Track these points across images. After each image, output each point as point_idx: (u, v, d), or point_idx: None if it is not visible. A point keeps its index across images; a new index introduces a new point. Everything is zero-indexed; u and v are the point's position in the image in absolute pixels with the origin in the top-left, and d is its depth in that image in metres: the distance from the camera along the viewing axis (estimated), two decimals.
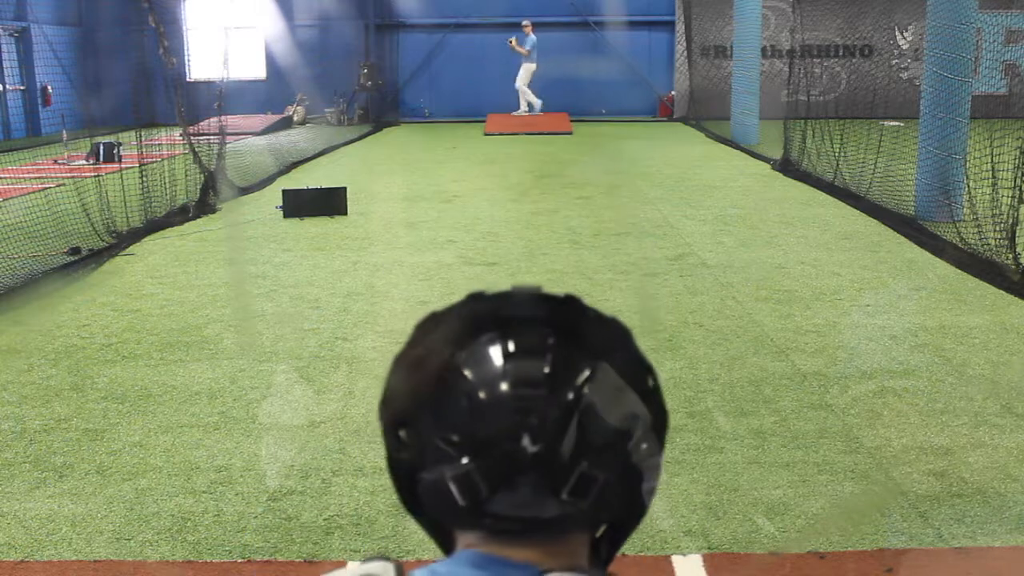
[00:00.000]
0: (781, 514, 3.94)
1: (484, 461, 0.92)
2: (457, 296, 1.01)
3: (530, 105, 22.39)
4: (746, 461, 4.42)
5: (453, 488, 0.92)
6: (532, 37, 22.02)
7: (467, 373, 0.94)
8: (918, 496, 4.08)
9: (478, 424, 0.92)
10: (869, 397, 5.19)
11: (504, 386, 0.92)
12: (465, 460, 0.92)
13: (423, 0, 24.00)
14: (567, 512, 0.92)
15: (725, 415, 4.96)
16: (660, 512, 3.95)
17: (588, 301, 1.00)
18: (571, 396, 0.93)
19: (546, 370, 0.93)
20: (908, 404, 5.08)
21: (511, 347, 0.94)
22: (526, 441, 0.91)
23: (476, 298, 1.01)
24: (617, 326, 1.02)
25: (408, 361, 0.98)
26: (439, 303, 0.99)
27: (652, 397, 1.01)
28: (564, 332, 0.97)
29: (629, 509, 1.01)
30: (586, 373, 0.95)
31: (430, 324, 1.00)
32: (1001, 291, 7.24)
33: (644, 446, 0.98)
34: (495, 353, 0.94)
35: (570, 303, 1.01)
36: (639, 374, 1.01)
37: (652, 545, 3.72)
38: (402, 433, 0.96)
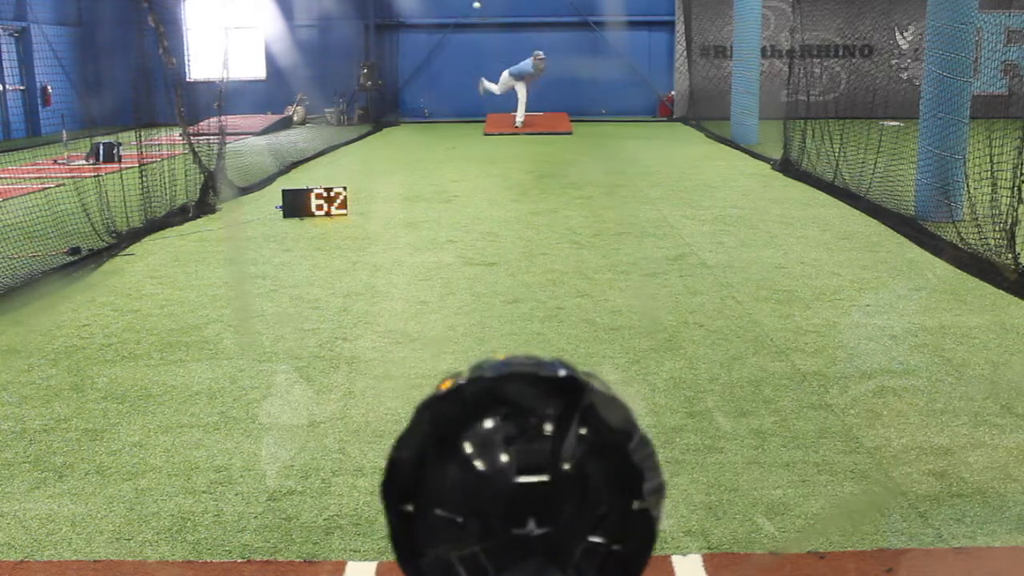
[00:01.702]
0: (781, 514, 3.94)
1: (490, 543, 0.93)
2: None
3: (488, 92, 21.91)
4: (746, 461, 4.42)
5: (460, 569, 0.94)
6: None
7: (471, 457, 0.95)
8: (918, 496, 4.08)
9: (483, 508, 0.94)
10: (869, 397, 5.19)
11: (507, 472, 0.94)
12: (471, 541, 0.94)
13: (423, 0, 24.00)
14: None
15: (725, 415, 4.96)
16: None
17: (579, 365, 1.04)
18: (574, 478, 0.95)
19: (549, 455, 0.95)
20: (908, 404, 5.08)
21: (514, 432, 0.95)
22: (531, 525, 0.93)
23: (478, 379, 1.00)
24: (618, 405, 1.04)
25: (413, 443, 0.99)
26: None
27: (652, 472, 1.03)
28: (566, 415, 0.98)
29: (630, 565, 1.02)
30: (588, 452, 0.97)
31: (433, 407, 1.00)
32: (1001, 291, 7.24)
33: (645, 509, 1.01)
34: (498, 438, 0.95)
35: (571, 381, 1.02)
36: (641, 453, 1.03)
37: None
38: (408, 508, 0.97)
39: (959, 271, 7.88)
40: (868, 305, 6.98)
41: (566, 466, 0.95)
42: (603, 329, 6.44)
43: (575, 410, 0.99)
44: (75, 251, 8.56)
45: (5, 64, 20.78)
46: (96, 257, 8.60)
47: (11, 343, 6.36)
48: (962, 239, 8.26)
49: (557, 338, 6.26)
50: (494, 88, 21.90)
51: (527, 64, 21.28)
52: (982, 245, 7.90)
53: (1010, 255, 7.50)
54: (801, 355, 5.87)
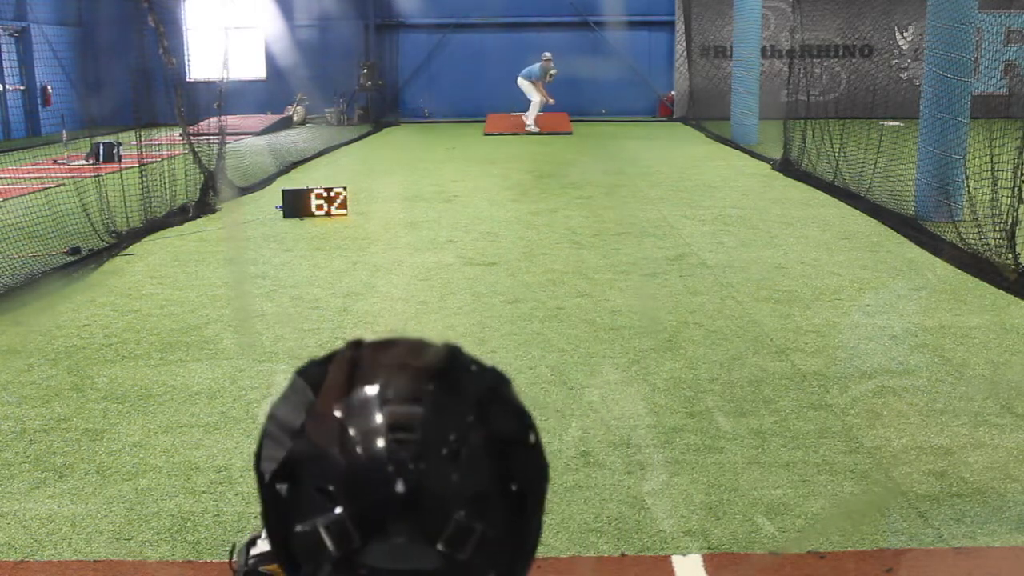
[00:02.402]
0: (781, 514, 3.94)
1: (356, 508, 0.89)
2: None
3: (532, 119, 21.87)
4: (746, 461, 4.42)
5: (325, 537, 0.90)
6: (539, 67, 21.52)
7: (343, 420, 0.92)
8: (918, 496, 4.08)
9: (352, 471, 0.90)
10: (869, 397, 5.19)
11: (378, 431, 0.90)
12: (339, 509, 0.90)
13: (423, 0, 24.01)
14: (446, 564, 0.90)
15: (725, 415, 4.96)
16: (660, 512, 3.95)
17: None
18: (446, 442, 0.91)
19: (421, 415, 0.91)
20: (908, 404, 5.08)
21: (387, 393, 0.92)
22: (399, 486, 0.89)
23: (355, 346, 0.98)
24: (496, 375, 1.00)
25: (285, 411, 0.96)
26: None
27: (532, 452, 0.98)
28: (442, 380, 0.95)
29: (514, 565, 0.96)
30: (463, 420, 0.92)
31: (308, 372, 0.97)
32: (1001, 291, 7.24)
33: (522, 493, 0.95)
34: (371, 400, 0.92)
35: (449, 352, 0.99)
36: (519, 426, 0.98)
37: (652, 545, 3.72)
38: (280, 487, 0.93)
39: (959, 271, 7.88)
40: (868, 305, 6.98)
41: (437, 428, 0.91)
42: (603, 329, 6.44)
43: (453, 377, 0.96)
44: (75, 251, 8.56)
45: (5, 64, 20.79)
46: (96, 257, 8.60)
47: (11, 343, 6.36)
48: (962, 239, 8.26)
49: (557, 338, 6.26)
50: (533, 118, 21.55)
51: (536, 66, 21.31)
52: (982, 245, 7.90)
53: (1010, 255, 7.50)
54: (801, 355, 5.87)
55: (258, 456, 0.97)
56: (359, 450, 0.90)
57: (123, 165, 11.48)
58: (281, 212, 10.81)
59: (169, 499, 4.13)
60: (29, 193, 11.01)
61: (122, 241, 9.21)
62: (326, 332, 6.46)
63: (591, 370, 5.65)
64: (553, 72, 21.34)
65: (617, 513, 3.95)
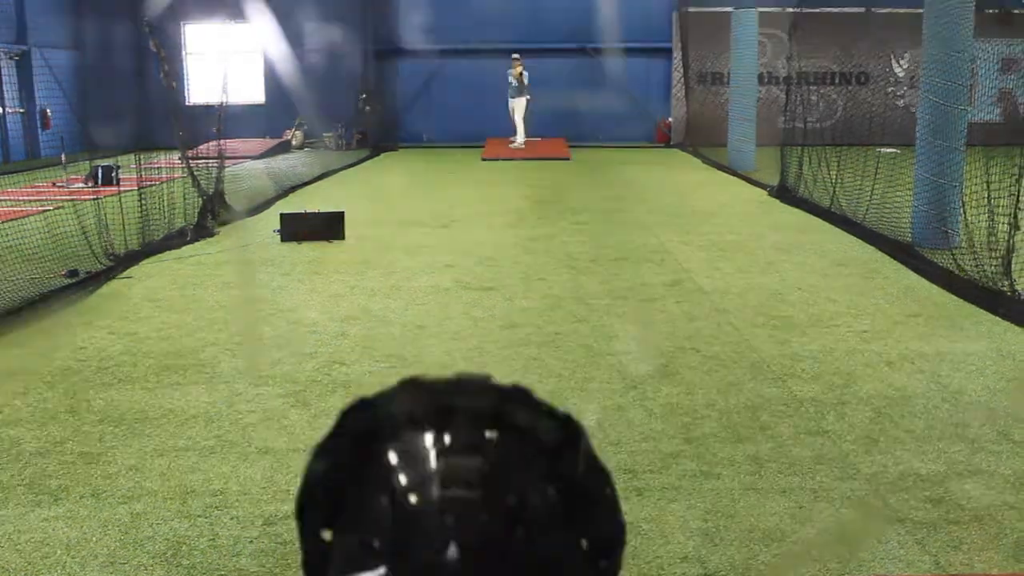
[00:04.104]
0: (778, 540, 3.93)
1: (403, 570, 0.79)
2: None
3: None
4: (743, 487, 4.42)
5: None
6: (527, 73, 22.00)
7: (394, 469, 0.82)
8: (915, 523, 4.07)
9: (400, 528, 0.80)
10: (866, 423, 5.19)
11: (432, 485, 0.80)
12: (383, 569, 0.80)
13: (422, 26, 24.15)
14: None
15: (722, 441, 4.95)
16: (657, 538, 3.94)
17: (542, 394, 0.91)
18: (509, 501, 0.80)
19: (482, 469, 0.81)
20: (904, 430, 5.08)
21: (445, 441, 0.82)
22: (452, 550, 0.78)
23: (411, 385, 0.88)
24: (571, 423, 0.88)
25: (332, 453, 0.86)
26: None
27: (609, 507, 0.87)
28: (508, 428, 0.84)
29: None
30: (531, 475, 0.82)
31: (358, 412, 0.87)
32: (997, 318, 7.26)
33: (599, 564, 0.84)
34: (426, 447, 0.82)
35: (517, 395, 0.88)
36: (595, 480, 0.87)
37: (648, 571, 3.71)
38: (325, 534, 0.84)
39: (956, 298, 7.89)
40: (865, 331, 6.99)
41: (500, 483, 0.80)
42: (600, 354, 6.44)
43: (522, 425, 0.85)
44: (73, 274, 8.56)
45: (5, 87, 20.86)
46: (94, 280, 8.60)
47: (8, 365, 6.36)
48: (959, 266, 8.28)
49: (554, 363, 6.26)
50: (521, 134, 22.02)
51: (512, 83, 21.67)
52: (979, 272, 7.93)
53: (1007, 282, 7.52)
54: (798, 381, 5.87)
55: (301, 497, 0.86)
56: (409, 506, 0.79)
57: (122, 188, 11.50)
58: (279, 236, 10.83)
59: (164, 523, 4.12)
60: (28, 215, 11.02)
61: (120, 264, 9.21)
62: (323, 356, 6.46)
63: (588, 395, 5.65)
64: (520, 70, 21.71)
65: None
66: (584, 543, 0.82)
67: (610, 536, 0.85)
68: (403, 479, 0.80)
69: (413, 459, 0.81)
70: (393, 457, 0.82)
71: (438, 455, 0.81)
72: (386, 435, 0.83)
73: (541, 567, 0.80)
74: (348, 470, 0.83)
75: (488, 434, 0.82)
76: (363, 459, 0.83)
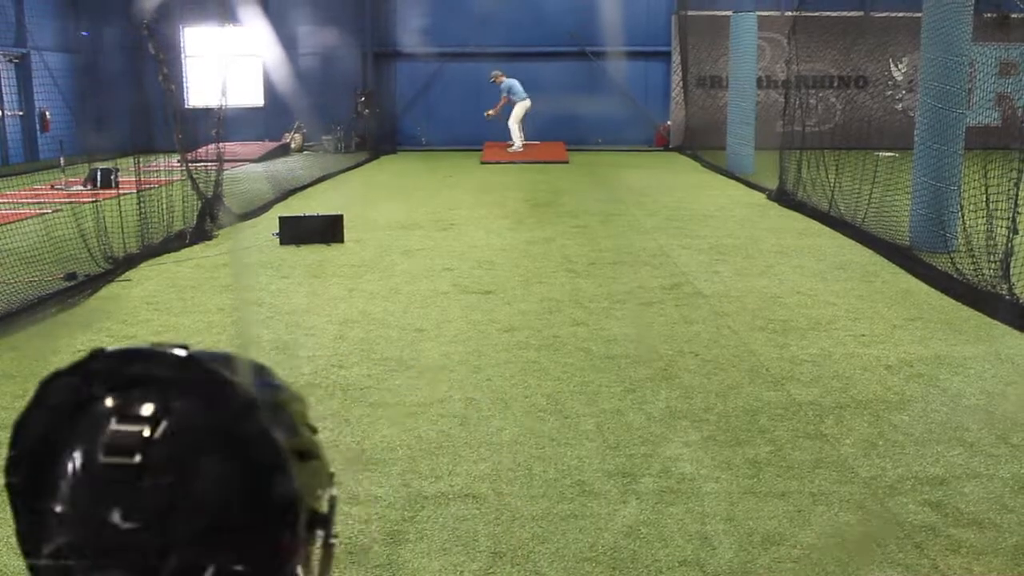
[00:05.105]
0: (776, 544, 3.93)
1: (76, 538, 0.82)
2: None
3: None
4: (741, 491, 4.42)
5: (46, 571, 0.83)
6: (506, 81, 22.15)
7: (75, 439, 0.84)
8: (914, 526, 4.07)
9: (75, 496, 0.83)
10: (864, 427, 5.19)
11: (100, 453, 0.82)
12: (65, 536, 0.83)
13: (421, 29, 24.17)
14: None
15: (720, 444, 4.95)
16: (655, 541, 3.94)
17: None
18: (175, 468, 0.82)
19: (146, 436, 0.82)
20: (903, 434, 5.08)
21: (112, 409, 0.84)
22: (116, 517, 0.81)
23: (96, 356, 0.89)
24: (243, 391, 0.88)
25: (26, 424, 0.88)
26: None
27: (280, 475, 0.87)
28: (183, 394, 0.85)
29: None
30: (197, 441, 0.83)
31: (52, 383, 0.89)
32: (995, 321, 7.26)
33: (276, 528, 0.85)
34: (97, 416, 0.84)
35: (190, 361, 0.88)
36: (265, 448, 0.87)
37: (647, 574, 3.71)
38: (35, 504, 0.86)
39: (954, 301, 7.90)
40: (863, 335, 6.99)
41: (166, 452, 0.82)
42: (599, 358, 6.44)
43: (195, 390, 0.86)
44: (71, 277, 8.56)
45: (4, 90, 20.87)
46: (92, 283, 8.59)
47: (6, 368, 6.35)
48: (957, 269, 8.28)
49: (553, 367, 6.26)
50: (517, 138, 22.27)
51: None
52: (977, 275, 7.93)
53: (1005, 286, 7.53)
54: (796, 385, 5.87)
55: (5, 470, 0.89)
56: (81, 474, 0.83)
57: (120, 191, 11.50)
58: (278, 239, 10.83)
59: None
60: (26, 218, 11.02)
61: (118, 267, 9.21)
62: (321, 359, 6.46)
63: (587, 399, 5.65)
64: (495, 77, 22.22)
65: (612, 543, 3.94)
66: (261, 519, 0.84)
67: (284, 505, 0.86)
68: (79, 448, 0.83)
69: (90, 428, 0.84)
70: (76, 427, 0.84)
71: (109, 424, 0.83)
72: (74, 406, 0.86)
73: (209, 534, 0.82)
74: (44, 441, 0.86)
75: (159, 403, 0.84)
76: (55, 430, 0.86)
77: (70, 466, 0.83)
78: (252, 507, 0.84)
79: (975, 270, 7.99)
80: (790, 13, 16.41)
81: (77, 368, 0.88)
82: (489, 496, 4.36)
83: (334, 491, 0.93)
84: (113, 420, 0.84)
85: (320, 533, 0.91)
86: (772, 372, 6.11)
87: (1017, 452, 4.84)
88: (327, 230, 10.86)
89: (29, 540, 0.86)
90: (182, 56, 24.39)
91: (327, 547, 0.92)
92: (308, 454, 0.92)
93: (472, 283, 8.76)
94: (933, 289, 8.34)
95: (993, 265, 7.76)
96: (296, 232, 10.79)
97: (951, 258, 8.55)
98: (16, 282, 8.14)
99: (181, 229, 10.96)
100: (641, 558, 3.81)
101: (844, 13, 20.49)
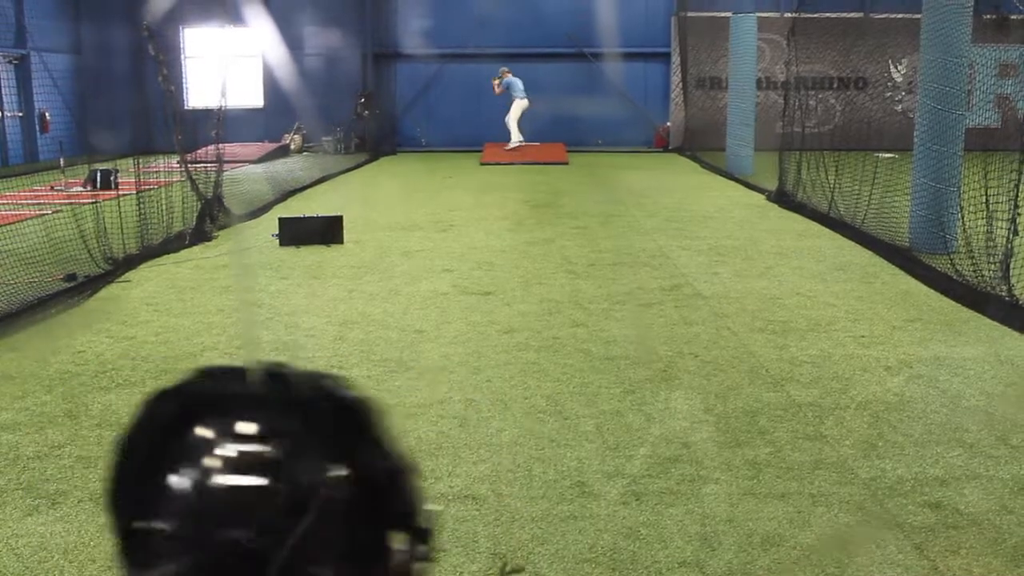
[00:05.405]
0: (776, 545, 3.93)
1: (201, 559, 0.81)
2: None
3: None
4: (741, 492, 4.42)
5: None
6: (509, 78, 22.34)
7: (192, 458, 0.83)
8: (913, 527, 4.07)
9: (200, 516, 0.81)
10: (864, 428, 5.19)
11: (226, 473, 0.82)
12: (182, 557, 0.81)
13: (421, 30, 24.18)
14: None
15: (720, 446, 4.95)
16: (654, 542, 3.94)
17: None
18: (304, 488, 0.82)
19: (275, 456, 0.82)
20: (903, 435, 5.08)
21: (238, 430, 0.83)
22: (245, 536, 0.80)
23: (208, 375, 0.88)
24: (367, 409, 0.89)
25: (134, 444, 0.87)
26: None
27: (402, 490, 0.87)
28: (306, 415, 0.85)
29: None
30: (322, 462, 0.83)
31: (158, 402, 0.88)
32: (995, 322, 7.26)
33: (399, 551, 0.86)
34: (221, 436, 0.83)
35: (316, 380, 0.89)
36: (385, 464, 0.88)
37: None
38: (136, 524, 0.84)
39: (954, 302, 7.90)
40: (863, 336, 6.99)
41: (295, 473, 0.81)
42: (598, 359, 6.44)
43: (320, 411, 0.86)
44: (71, 278, 8.56)
45: (4, 91, 20.87)
46: (92, 284, 8.59)
47: (6, 369, 6.35)
48: (957, 270, 8.29)
49: (552, 368, 6.26)
50: (515, 136, 22.44)
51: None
52: (976, 276, 7.93)
53: (1005, 287, 7.53)
54: (796, 386, 5.87)
55: (109, 491, 0.87)
56: (206, 494, 0.81)
57: (120, 192, 11.50)
58: (277, 240, 10.83)
59: None
60: (26, 219, 11.02)
61: (118, 268, 9.21)
62: (321, 360, 6.46)
63: (586, 400, 5.65)
64: (503, 74, 22.61)
65: (612, 544, 3.94)
66: (387, 536, 0.84)
67: (408, 518, 0.86)
68: (198, 468, 0.82)
69: (208, 448, 0.82)
70: (191, 446, 0.83)
71: (231, 443, 0.82)
72: (185, 425, 0.84)
73: (333, 553, 0.81)
74: (151, 461, 0.84)
75: (281, 422, 0.83)
76: (164, 450, 0.84)
77: (186, 486, 0.81)
78: (373, 522, 0.84)
79: (975, 271, 7.99)
80: (790, 14, 16.43)
81: (184, 387, 0.86)
82: (489, 497, 4.36)
83: (433, 506, 0.93)
84: (234, 440, 0.82)
85: (423, 548, 0.91)
86: (772, 373, 6.12)
87: (1017, 453, 4.84)
88: (327, 231, 10.87)
89: (135, 562, 0.84)
90: (182, 57, 24.40)
91: (427, 560, 0.91)
92: (410, 467, 0.91)
93: (472, 284, 8.76)
94: (933, 290, 8.34)
95: (993, 266, 7.76)
96: (296, 233, 10.79)
97: (951, 259, 8.55)
98: (16, 283, 8.14)
99: (181, 230, 10.96)
100: (641, 559, 3.81)
101: (844, 14, 20.49)
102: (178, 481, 0.82)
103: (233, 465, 0.81)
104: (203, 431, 0.84)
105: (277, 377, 0.87)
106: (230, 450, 0.82)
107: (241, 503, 0.80)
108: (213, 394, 0.86)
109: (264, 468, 0.81)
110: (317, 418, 0.86)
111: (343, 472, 0.83)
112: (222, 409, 0.84)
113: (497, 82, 22.45)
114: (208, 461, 0.82)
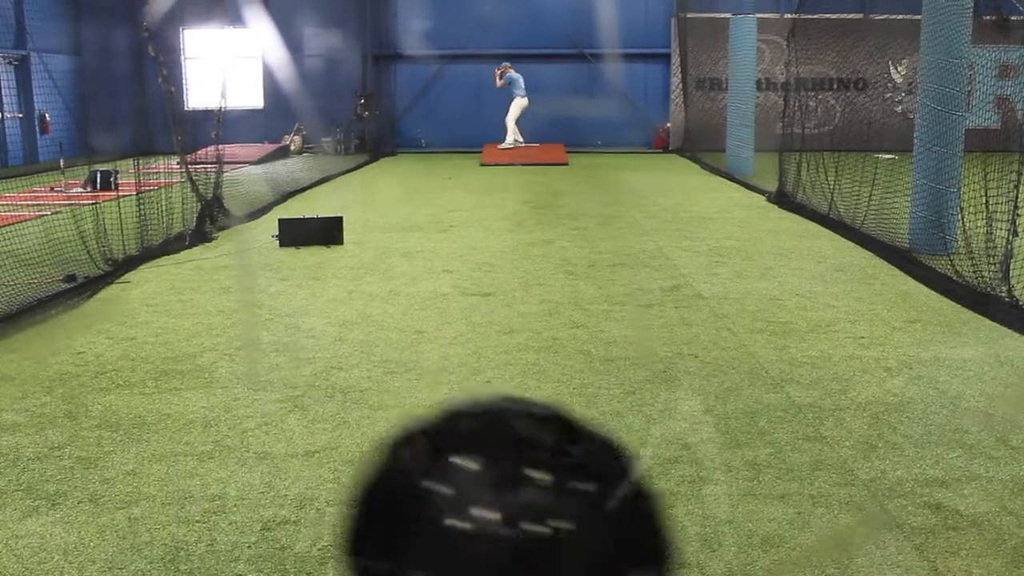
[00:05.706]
0: (776, 546, 3.93)
1: None
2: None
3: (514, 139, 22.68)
4: (741, 493, 4.42)
5: None
6: (512, 73, 22.41)
7: (453, 505, 0.78)
8: (913, 529, 4.07)
9: (454, 560, 0.77)
10: (864, 429, 5.19)
11: (495, 520, 0.77)
12: None
13: (421, 31, 24.19)
14: None
15: (720, 447, 4.95)
16: None
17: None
18: (562, 531, 0.78)
19: (532, 500, 0.78)
20: (903, 436, 5.08)
21: (503, 473, 0.79)
22: None
23: (460, 415, 0.84)
24: (613, 446, 0.85)
25: (384, 489, 0.82)
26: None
27: (658, 527, 0.85)
28: (555, 455, 0.81)
29: None
30: (581, 504, 0.79)
31: (408, 445, 0.83)
32: (995, 323, 7.26)
33: None
34: (484, 480, 0.79)
35: (562, 421, 0.84)
36: (647, 506, 0.86)
37: None
38: (381, 567, 0.79)
39: (954, 303, 7.90)
40: (863, 337, 6.99)
41: (571, 519, 0.77)
42: (598, 360, 6.44)
43: (575, 457, 0.81)
44: (71, 278, 8.56)
45: (4, 92, 20.88)
46: (92, 285, 8.60)
47: (5, 370, 6.35)
48: (956, 271, 8.28)
49: (552, 369, 6.26)
50: (514, 135, 22.54)
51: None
52: (976, 277, 7.93)
53: (1004, 287, 7.53)
54: (796, 387, 5.87)
55: (353, 540, 0.81)
56: (473, 542, 0.76)
57: (120, 193, 11.51)
58: (277, 241, 10.83)
59: (162, 528, 4.11)
60: (26, 220, 11.02)
61: (118, 269, 9.21)
62: (321, 361, 6.46)
63: (586, 401, 5.64)
64: (505, 68, 22.67)
65: None
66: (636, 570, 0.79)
67: (660, 561, 0.82)
68: (454, 513, 0.76)
69: (471, 492, 0.77)
70: (444, 490, 0.78)
71: (489, 487, 0.77)
72: (435, 467, 0.79)
73: None
74: (399, 504, 0.79)
75: (538, 463, 0.79)
76: (414, 493, 0.78)
77: (445, 532, 0.76)
78: (639, 567, 0.81)
79: (975, 272, 7.99)
80: (789, 15, 16.44)
81: (433, 426, 0.81)
82: None
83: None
84: (506, 484, 0.77)
85: None
86: (772, 374, 6.11)
87: (1017, 454, 4.84)
88: (327, 232, 10.87)
89: None
90: (182, 58, 24.40)
91: None
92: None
93: (472, 285, 8.76)
94: (933, 291, 8.34)
95: (993, 267, 7.76)
96: (296, 234, 10.79)
97: (951, 260, 8.55)
98: (16, 284, 8.14)
99: (180, 231, 10.96)
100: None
101: (843, 16, 20.50)
102: (431, 526, 0.77)
103: (490, 511, 0.77)
104: (455, 475, 0.78)
105: (522, 416, 0.82)
106: (485, 495, 0.77)
107: (500, 550, 0.76)
108: (460, 437, 0.81)
109: (520, 514, 0.76)
110: (570, 461, 0.80)
111: (598, 515, 0.79)
112: (472, 453, 0.80)
113: (499, 73, 22.44)
114: (461, 507, 0.77)
